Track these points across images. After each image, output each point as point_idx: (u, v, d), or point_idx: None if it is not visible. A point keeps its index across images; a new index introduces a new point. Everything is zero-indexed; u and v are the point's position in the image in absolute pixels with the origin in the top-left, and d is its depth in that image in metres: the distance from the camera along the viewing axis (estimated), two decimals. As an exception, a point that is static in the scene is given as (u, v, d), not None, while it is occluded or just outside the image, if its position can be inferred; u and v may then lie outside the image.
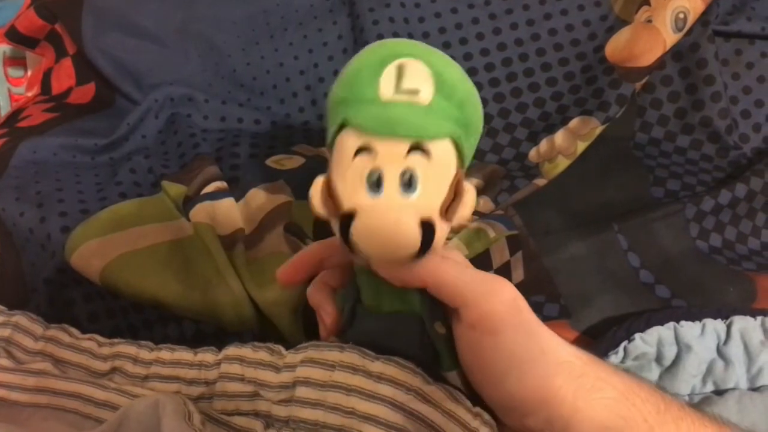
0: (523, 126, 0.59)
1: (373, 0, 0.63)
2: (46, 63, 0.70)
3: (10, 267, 0.50)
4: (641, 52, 0.56)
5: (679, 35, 0.56)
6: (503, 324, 0.29)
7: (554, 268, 0.48)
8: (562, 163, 0.55)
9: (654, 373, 0.42)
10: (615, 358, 0.42)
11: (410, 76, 0.28)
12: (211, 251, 0.46)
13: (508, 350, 0.29)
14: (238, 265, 0.46)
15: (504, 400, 0.30)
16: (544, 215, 0.51)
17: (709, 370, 0.42)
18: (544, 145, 0.56)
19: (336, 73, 0.30)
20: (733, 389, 0.42)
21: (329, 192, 0.30)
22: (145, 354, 0.37)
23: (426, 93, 0.28)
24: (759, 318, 0.42)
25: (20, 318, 0.38)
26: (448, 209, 0.29)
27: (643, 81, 0.58)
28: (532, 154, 0.57)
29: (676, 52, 0.58)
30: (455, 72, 0.30)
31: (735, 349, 0.42)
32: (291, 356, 0.33)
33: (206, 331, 0.46)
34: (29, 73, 0.76)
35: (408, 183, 0.28)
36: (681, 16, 0.56)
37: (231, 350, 0.35)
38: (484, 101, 0.59)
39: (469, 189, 0.30)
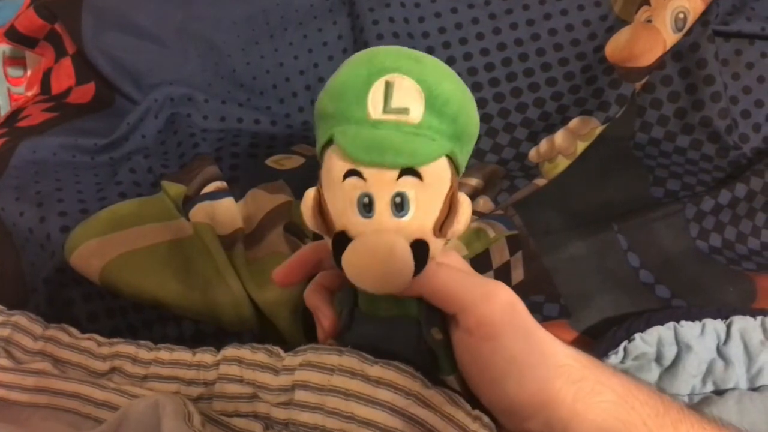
0: (523, 126, 0.59)
1: (373, 0, 0.63)
2: (45, 63, 0.70)
3: (10, 267, 0.50)
4: (641, 52, 0.56)
5: (679, 35, 0.56)
6: (500, 329, 0.29)
7: (554, 268, 0.48)
8: (562, 163, 0.55)
9: (654, 373, 0.42)
10: (615, 358, 0.42)
11: (399, 94, 0.27)
12: (210, 251, 0.46)
13: (507, 354, 0.29)
14: (237, 265, 0.46)
15: (503, 404, 0.30)
16: (544, 215, 0.51)
17: (709, 370, 0.42)
18: (544, 145, 0.56)
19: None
20: (732, 389, 0.42)
21: (321, 207, 0.29)
22: (144, 354, 0.37)
23: (416, 112, 0.27)
24: (759, 318, 0.42)
25: (20, 318, 0.38)
26: (442, 225, 0.29)
27: (643, 81, 0.58)
28: (532, 154, 0.57)
29: (676, 52, 0.58)
30: (447, 84, 0.28)
31: (735, 349, 0.42)
32: (290, 359, 0.33)
33: (206, 331, 0.46)
34: (29, 72, 0.76)
35: (400, 206, 0.27)
36: (681, 16, 0.56)
37: (229, 351, 0.35)
38: (484, 101, 0.59)
39: (464, 202, 0.29)
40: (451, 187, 0.29)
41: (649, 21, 0.56)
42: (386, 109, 0.27)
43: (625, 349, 0.42)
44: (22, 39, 0.69)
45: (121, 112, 0.64)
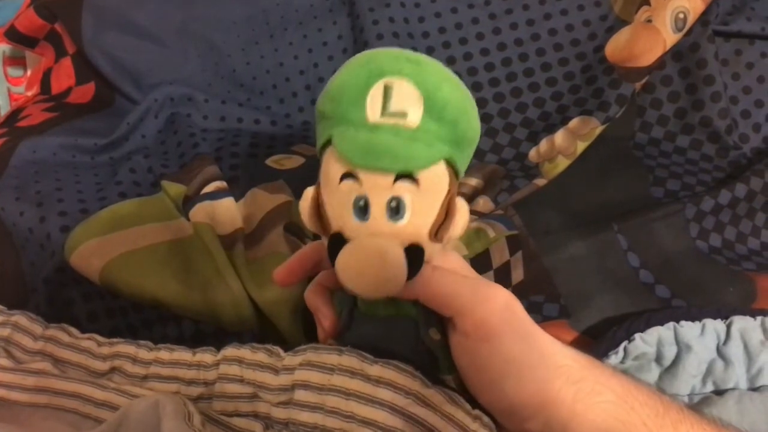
0: (523, 126, 0.59)
1: (372, 0, 0.63)
2: (45, 62, 0.70)
3: (10, 267, 0.50)
4: (641, 52, 0.56)
5: (679, 35, 0.56)
6: (497, 331, 0.29)
7: (554, 268, 0.48)
8: (562, 163, 0.55)
9: (654, 373, 0.42)
10: (615, 358, 0.42)
11: (397, 97, 0.27)
12: (210, 251, 0.46)
13: (504, 356, 0.29)
14: (237, 264, 0.46)
15: (502, 405, 0.30)
16: (544, 215, 0.51)
17: (709, 370, 0.42)
18: (544, 145, 0.56)
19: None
20: (732, 389, 0.42)
21: (318, 207, 0.29)
22: (144, 354, 0.37)
23: (414, 116, 0.27)
24: (759, 318, 0.42)
25: (20, 318, 0.38)
26: (438, 230, 0.29)
27: (643, 81, 0.58)
28: (532, 154, 0.57)
29: (676, 52, 0.58)
30: (447, 88, 0.28)
31: (735, 349, 0.42)
32: (289, 358, 0.33)
33: (206, 331, 0.46)
34: (29, 72, 0.76)
35: (395, 210, 0.27)
36: (681, 16, 0.56)
37: (229, 351, 0.35)
38: (484, 101, 0.59)
39: (461, 207, 0.29)
40: (449, 192, 0.29)
41: (649, 21, 0.56)
42: (384, 112, 0.27)
43: (625, 349, 0.42)
44: (22, 39, 0.69)
45: (121, 112, 0.64)
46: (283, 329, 0.44)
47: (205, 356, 0.36)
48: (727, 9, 0.60)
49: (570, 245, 0.48)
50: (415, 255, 0.28)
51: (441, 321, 0.31)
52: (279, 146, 0.61)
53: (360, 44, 0.63)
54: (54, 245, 0.48)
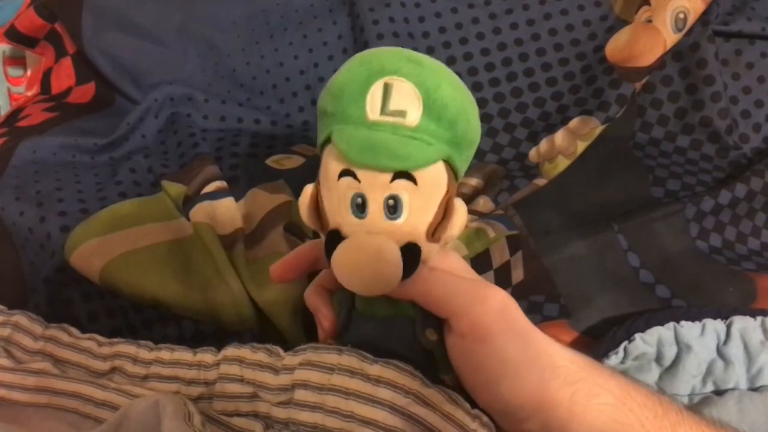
0: (523, 126, 0.59)
1: (372, 0, 0.63)
2: (45, 62, 0.70)
3: (10, 267, 0.50)
4: (641, 52, 0.56)
5: (679, 35, 0.56)
6: (493, 332, 0.29)
7: (554, 267, 0.48)
8: (562, 163, 0.55)
9: (654, 373, 0.42)
10: (615, 358, 0.42)
11: (397, 96, 0.27)
12: (210, 251, 0.46)
13: (500, 357, 0.29)
14: (238, 264, 0.46)
15: (499, 406, 0.30)
16: (544, 215, 0.51)
17: (709, 371, 0.42)
18: (544, 145, 0.56)
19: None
20: (732, 389, 0.42)
21: (317, 204, 0.29)
22: (144, 354, 0.37)
23: (413, 115, 0.27)
24: (759, 318, 0.42)
25: (20, 317, 0.38)
26: (435, 230, 0.29)
27: (643, 81, 0.58)
28: (532, 154, 0.57)
29: (676, 52, 0.58)
30: (447, 88, 0.28)
31: (735, 350, 0.42)
32: (289, 358, 0.33)
33: (206, 330, 0.46)
34: (29, 72, 0.76)
35: (393, 208, 0.27)
36: (681, 16, 0.56)
37: (230, 351, 0.35)
38: (484, 101, 0.59)
39: (459, 207, 0.29)
40: (447, 192, 0.29)
41: (649, 21, 0.56)
42: (384, 111, 0.27)
43: (625, 349, 0.42)
44: (22, 39, 0.69)
45: (121, 112, 0.64)
46: (283, 329, 0.44)
47: (206, 356, 0.36)
48: (727, 9, 0.60)
49: (570, 245, 0.49)
50: (411, 254, 0.28)
51: (438, 321, 0.31)
52: (279, 146, 0.61)
53: (360, 44, 0.63)
54: (54, 245, 0.48)
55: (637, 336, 0.42)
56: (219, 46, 0.66)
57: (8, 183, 0.54)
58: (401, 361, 0.31)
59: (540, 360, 0.29)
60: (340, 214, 0.28)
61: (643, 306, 0.46)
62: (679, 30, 0.56)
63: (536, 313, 0.46)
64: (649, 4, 0.57)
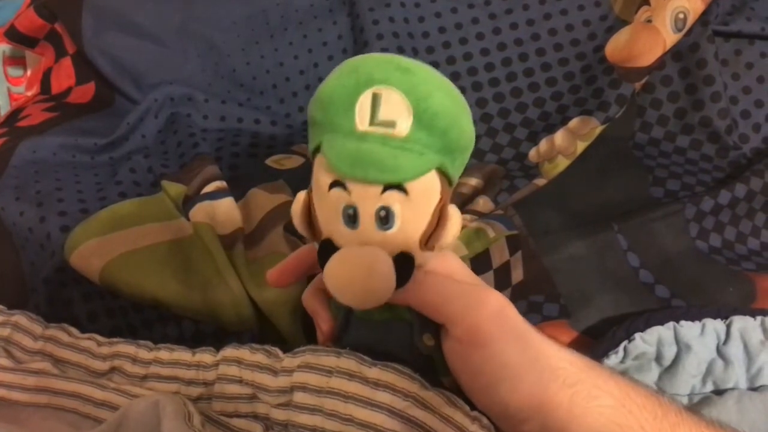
0: (523, 126, 0.59)
1: (372, 0, 0.63)
2: (45, 62, 0.70)
3: (10, 267, 0.50)
4: (641, 52, 0.56)
5: (679, 35, 0.56)
6: (490, 336, 0.29)
7: (554, 267, 0.48)
8: (562, 163, 0.55)
9: (654, 372, 0.42)
10: (615, 358, 0.42)
11: (386, 106, 0.27)
12: (210, 251, 0.46)
13: (499, 361, 0.29)
14: (237, 264, 0.46)
15: (498, 409, 0.29)
16: (543, 215, 0.51)
17: (709, 370, 0.42)
18: (543, 145, 0.56)
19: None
20: (732, 389, 0.42)
21: (310, 211, 0.29)
22: (144, 354, 0.37)
23: (402, 125, 0.27)
24: (759, 318, 0.42)
25: (20, 317, 0.38)
26: (429, 238, 0.28)
27: (643, 81, 0.58)
28: (532, 154, 0.57)
29: (676, 52, 0.58)
30: (438, 96, 0.27)
31: (735, 349, 0.42)
32: (288, 360, 0.33)
33: (205, 330, 0.46)
34: (29, 72, 0.76)
35: (385, 219, 0.27)
36: (681, 16, 0.56)
37: (229, 351, 0.35)
38: (484, 101, 0.59)
39: (453, 214, 0.29)
40: (440, 200, 0.28)
41: (649, 21, 0.56)
42: (373, 121, 0.27)
43: (625, 349, 0.42)
44: (22, 39, 0.69)
45: (121, 112, 0.64)
46: (283, 329, 0.44)
47: (205, 356, 0.36)
48: (727, 9, 0.60)
49: (570, 245, 0.48)
50: (404, 263, 0.28)
51: (435, 326, 0.31)
52: (279, 146, 0.61)
53: (360, 44, 0.63)
54: (54, 245, 0.48)
55: (637, 336, 0.42)
56: (219, 46, 0.66)
57: (8, 183, 0.54)
58: (399, 363, 0.31)
59: (539, 362, 0.29)
60: (331, 224, 0.28)
61: (642, 306, 0.46)
62: (679, 30, 0.56)
63: (536, 313, 0.46)
64: (648, 4, 0.57)
